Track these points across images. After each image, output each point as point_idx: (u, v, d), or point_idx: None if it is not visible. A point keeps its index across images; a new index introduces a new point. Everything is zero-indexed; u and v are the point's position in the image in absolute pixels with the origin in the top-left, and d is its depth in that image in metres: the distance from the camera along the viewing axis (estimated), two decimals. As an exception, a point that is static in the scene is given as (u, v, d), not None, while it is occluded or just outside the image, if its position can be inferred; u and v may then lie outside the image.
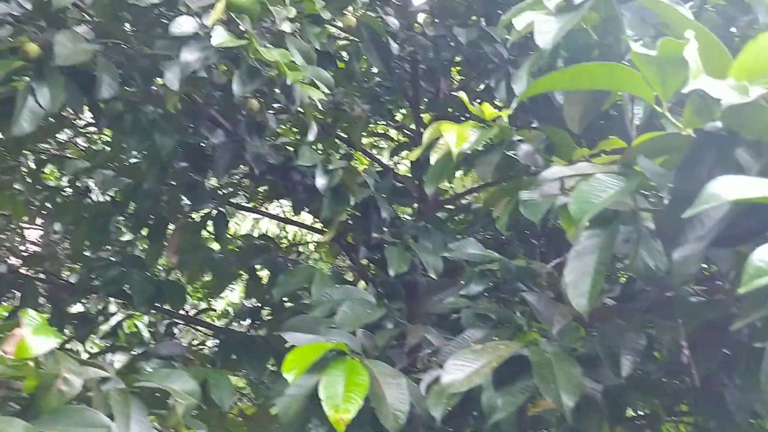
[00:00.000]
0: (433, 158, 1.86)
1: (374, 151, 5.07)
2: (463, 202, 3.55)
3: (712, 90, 0.87)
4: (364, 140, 4.89)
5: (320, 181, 2.15)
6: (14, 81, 2.11)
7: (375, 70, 3.27)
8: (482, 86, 3.12)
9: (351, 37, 2.70)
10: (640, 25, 1.39)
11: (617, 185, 1.07)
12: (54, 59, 1.91)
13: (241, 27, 1.95)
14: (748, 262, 0.67)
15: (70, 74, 2.02)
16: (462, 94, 1.96)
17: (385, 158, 4.70)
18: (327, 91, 2.01)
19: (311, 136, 2.13)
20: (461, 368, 1.32)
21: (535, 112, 2.76)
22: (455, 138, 1.80)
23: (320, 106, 1.96)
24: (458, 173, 4.24)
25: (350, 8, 2.49)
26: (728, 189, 0.73)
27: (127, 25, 2.48)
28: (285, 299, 2.59)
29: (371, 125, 3.65)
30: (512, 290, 2.08)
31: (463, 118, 3.31)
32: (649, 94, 1.06)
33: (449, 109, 3.22)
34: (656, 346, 1.44)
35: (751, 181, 0.74)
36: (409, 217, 3.92)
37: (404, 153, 3.68)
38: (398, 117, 3.91)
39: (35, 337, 1.16)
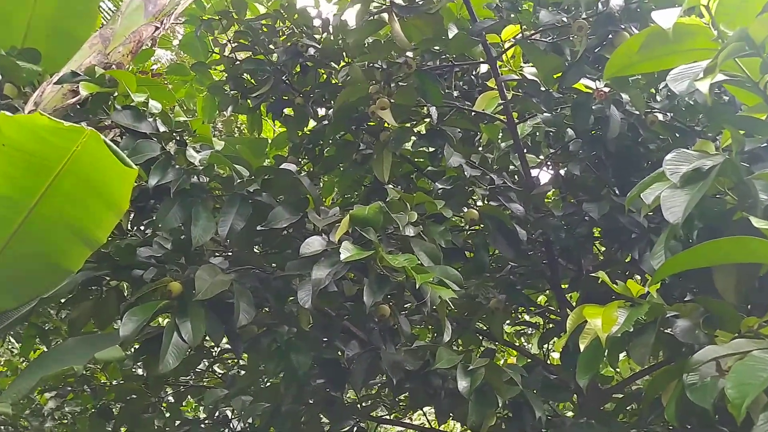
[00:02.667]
0: (582, 346, 1.94)
1: (522, 342, 5.12)
2: (634, 388, 3.46)
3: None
4: (507, 330, 4.98)
5: (462, 384, 2.26)
6: (157, 319, 2.48)
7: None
8: (629, 258, 3.19)
9: (477, 227, 2.94)
10: (774, 186, 1.49)
11: (778, 361, 1.12)
12: (195, 294, 2.27)
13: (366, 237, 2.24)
14: None
15: (209, 305, 2.35)
16: (602, 274, 2.07)
17: (534, 349, 4.72)
18: (457, 288, 2.19)
19: (447, 337, 2.29)
20: None
21: (690, 278, 2.78)
22: (601, 322, 1.88)
23: (452, 305, 2.12)
24: (622, 355, 4.18)
25: (471, 201, 2.77)
26: None
27: (259, 249, 2.88)
28: None
29: (512, 314, 3.77)
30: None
31: (614, 295, 3.36)
32: (790, 261, 1.14)
33: (598, 285, 3.29)
34: None
35: None
36: (571, 414, 3.83)
37: (554, 340, 3.73)
38: (541, 300, 4.01)
39: None
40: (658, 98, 2.95)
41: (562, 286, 3.36)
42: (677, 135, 2.88)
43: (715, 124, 2.22)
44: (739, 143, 1.71)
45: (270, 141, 3.97)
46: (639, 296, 1.99)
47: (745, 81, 1.66)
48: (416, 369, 2.54)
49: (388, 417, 3.81)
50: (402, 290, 2.45)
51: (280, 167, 2.54)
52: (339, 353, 2.62)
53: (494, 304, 2.93)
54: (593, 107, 2.68)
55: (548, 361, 3.60)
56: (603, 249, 3.56)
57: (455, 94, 3.20)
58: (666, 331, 1.97)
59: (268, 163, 3.84)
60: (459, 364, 2.34)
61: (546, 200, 3.39)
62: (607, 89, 2.64)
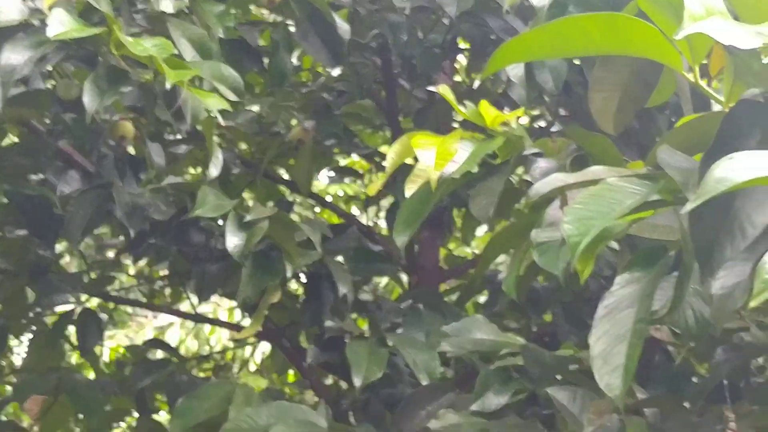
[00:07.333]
0: (408, 192, 1.99)
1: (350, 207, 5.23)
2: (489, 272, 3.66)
3: (719, 33, 1.00)
4: (330, 191, 5.07)
5: (232, 241, 2.27)
6: None
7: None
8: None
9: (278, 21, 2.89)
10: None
11: (636, 193, 1.19)
12: None
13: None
14: (761, 265, 0.79)
15: None
16: (443, 89, 2.10)
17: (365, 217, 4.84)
18: (234, 97, 2.16)
19: (214, 171, 2.27)
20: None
21: (578, 118, 2.92)
22: (434, 156, 1.93)
23: (220, 119, 2.10)
24: (481, 230, 4.40)
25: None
26: (741, 169, 0.86)
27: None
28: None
29: (330, 157, 3.81)
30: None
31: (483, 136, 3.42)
32: (672, 57, 1.20)
33: (454, 124, 3.38)
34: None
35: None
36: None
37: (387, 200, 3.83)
38: (373, 140, 4.08)
39: None
40: None
41: (402, 122, 3.42)
42: None
43: None
44: None
45: None
46: (497, 126, 2.06)
47: None
48: (168, 218, 2.53)
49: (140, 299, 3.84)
50: (153, 99, 2.39)
51: None
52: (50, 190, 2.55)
53: (297, 134, 2.93)
54: None
55: (376, 231, 3.72)
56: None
57: None
58: (526, 177, 2.07)
59: None
60: (231, 213, 2.35)
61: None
62: None
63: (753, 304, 0.77)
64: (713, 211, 1.04)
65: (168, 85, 2.01)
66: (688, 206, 0.88)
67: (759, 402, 1.49)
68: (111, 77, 2.12)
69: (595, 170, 1.34)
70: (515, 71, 2.30)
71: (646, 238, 1.41)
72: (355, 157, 4.14)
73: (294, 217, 3.12)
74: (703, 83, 1.21)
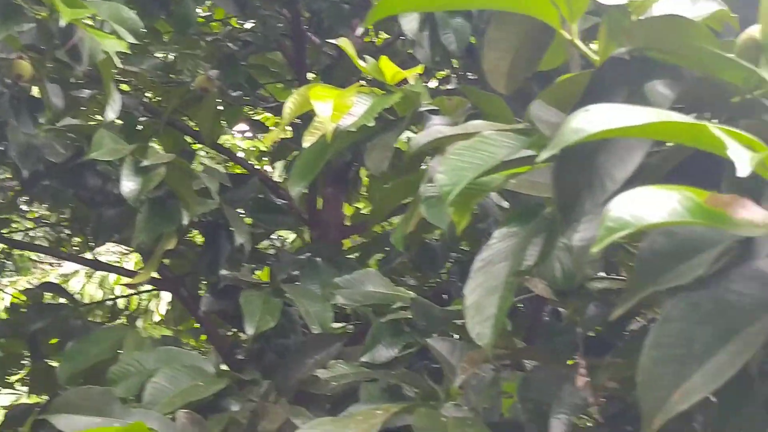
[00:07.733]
0: (306, 144, 1.98)
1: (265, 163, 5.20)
2: (390, 228, 3.68)
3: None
4: (246, 145, 5.02)
5: (128, 185, 2.24)
6: None
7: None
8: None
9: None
10: None
11: (509, 146, 1.20)
12: None
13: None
14: (605, 212, 0.80)
15: None
16: (344, 42, 2.09)
17: (277, 172, 4.82)
18: (133, 39, 2.12)
19: (111, 114, 2.23)
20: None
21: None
22: (330, 108, 1.92)
23: (119, 63, 2.06)
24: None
25: None
26: (596, 120, 0.87)
27: None
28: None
29: (245, 109, 3.78)
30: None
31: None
32: (549, 13, 1.21)
33: (362, 81, 3.37)
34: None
35: (629, 109, 0.88)
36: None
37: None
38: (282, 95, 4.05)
39: None
40: None
41: (314, 79, 3.41)
42: None
43: None
44: None
45: None
46: (397, 83, 2.05)
47: None
48: (63, 161, 2.49)
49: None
50: (50, 38, 2.33)
51: None
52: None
53: (202, 83, 2.89)
54: None
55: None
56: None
57: None
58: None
59: None
60: (127, 158, 2.31)
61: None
62: None
63: (594, 249, 0.78)
64: (577, 166, 1.07)
65: (62, 23, 1.96)
66: (543, 155, 0.89)
67: (625, 356, 1.53)
68: (4, 13, 2.06)
69: (474, 124, 1.35)
70: (410, 25, 2.30)
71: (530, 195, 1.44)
72: (269, 114, 4.11)
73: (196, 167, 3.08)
74: (578, 41, 1.22)
